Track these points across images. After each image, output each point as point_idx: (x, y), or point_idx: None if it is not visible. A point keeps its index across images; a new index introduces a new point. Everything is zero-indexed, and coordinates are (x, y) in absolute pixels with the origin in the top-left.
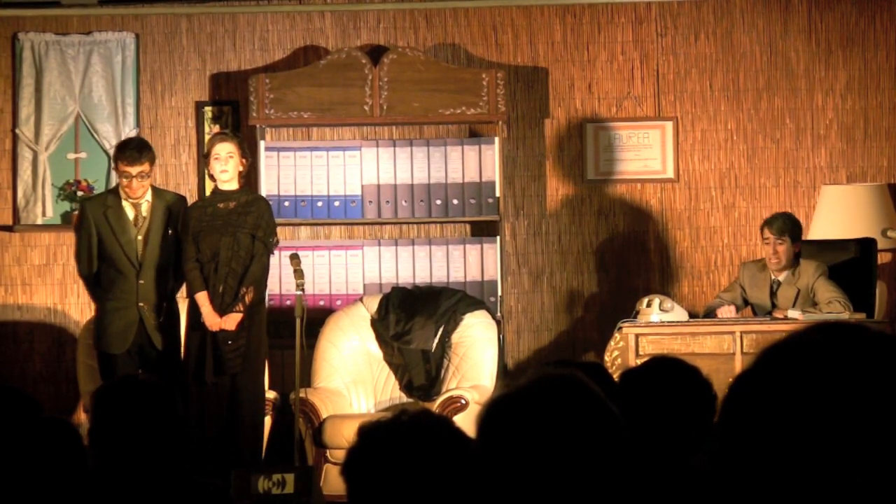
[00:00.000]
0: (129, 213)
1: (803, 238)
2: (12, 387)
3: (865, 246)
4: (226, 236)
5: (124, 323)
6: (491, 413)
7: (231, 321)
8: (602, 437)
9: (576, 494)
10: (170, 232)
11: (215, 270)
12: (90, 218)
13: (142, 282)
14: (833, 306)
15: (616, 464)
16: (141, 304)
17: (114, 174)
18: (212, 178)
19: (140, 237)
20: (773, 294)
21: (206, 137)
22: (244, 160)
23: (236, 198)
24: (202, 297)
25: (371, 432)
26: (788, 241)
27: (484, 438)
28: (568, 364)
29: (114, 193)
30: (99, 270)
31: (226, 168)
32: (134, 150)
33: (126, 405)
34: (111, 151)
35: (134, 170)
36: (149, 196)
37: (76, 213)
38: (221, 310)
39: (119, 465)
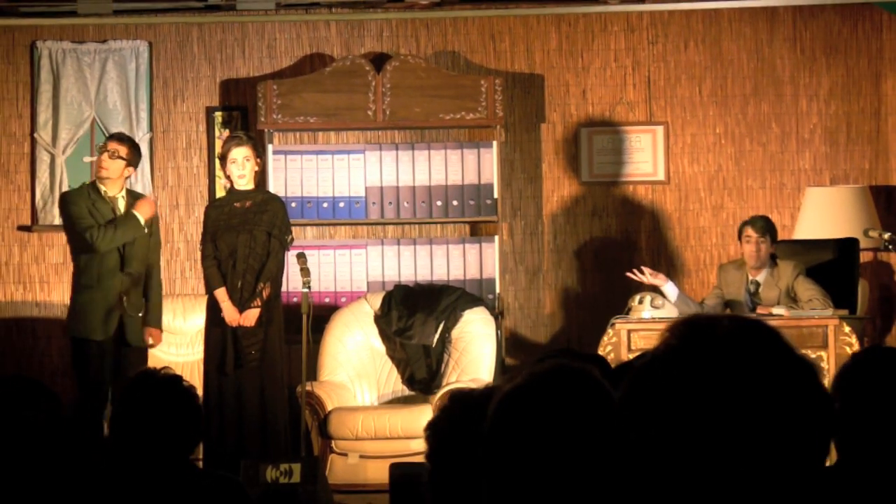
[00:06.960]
0: (109, 209)
1: (789, 238)
2: (31, 379)
3: (848, 245)
4: (243, 234)
5: (105, 310)
6: (505, 403)
7: (250, 317)
8: (610, 433)
9: (580, 488)
10: (146, 230)
11: (233, 267)
12: (82, 206)
13: (125, 274)
14: (813, 304)
15: (619, 460)
16: (123, 296)
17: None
18: (227, 178)
19: None
20: (751, 294)
21: (217, 141)
22: (258, 160)
23: (252, 197)
24: (221, 293)
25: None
26: (768, 241)
27: (497, 428)
28: (570, 354)
29: (93, 189)
30: (84, 264)
31: (243, 173)
32: (116, 133)
33: (150, 399)
34: None
35: (111, 145)
36: (124, 194)
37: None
38: (240, 305)
39: (139, 457)
